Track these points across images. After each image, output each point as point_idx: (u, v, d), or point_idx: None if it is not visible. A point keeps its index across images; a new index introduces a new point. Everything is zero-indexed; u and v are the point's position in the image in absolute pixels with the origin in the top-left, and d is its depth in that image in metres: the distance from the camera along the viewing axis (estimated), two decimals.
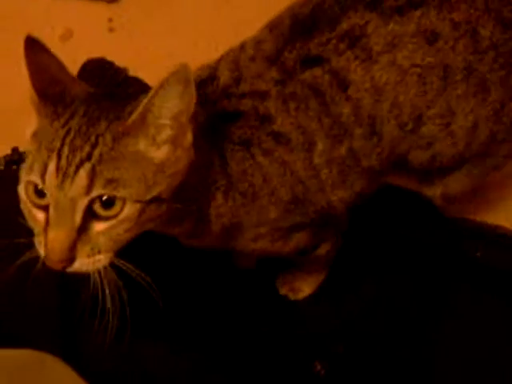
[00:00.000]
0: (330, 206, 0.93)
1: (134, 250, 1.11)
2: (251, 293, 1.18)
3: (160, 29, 1.53)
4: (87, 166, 0.70)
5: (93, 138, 0.71)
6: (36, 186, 0.72)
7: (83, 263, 0.72)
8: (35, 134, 0.75)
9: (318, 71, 0.86)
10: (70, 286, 1.00)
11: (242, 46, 0.89)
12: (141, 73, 1.26)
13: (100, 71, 1.16)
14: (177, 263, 1.15)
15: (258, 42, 0.89)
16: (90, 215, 0.71)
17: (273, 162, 0.86)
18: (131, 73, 1.24)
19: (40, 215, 0.72)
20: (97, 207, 0.71)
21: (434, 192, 1.06)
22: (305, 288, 1.16)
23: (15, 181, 1.04)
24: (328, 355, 1.11)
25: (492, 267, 1.14)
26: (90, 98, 0.77)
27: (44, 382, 0.79)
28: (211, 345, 1.10)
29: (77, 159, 0.70)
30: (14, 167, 1.04)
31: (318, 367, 1.09)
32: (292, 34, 0.87)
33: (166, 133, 0.73)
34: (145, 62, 1.40)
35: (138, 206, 0.71)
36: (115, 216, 0.71)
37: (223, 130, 0.84)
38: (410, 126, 0.90)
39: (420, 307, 1.14)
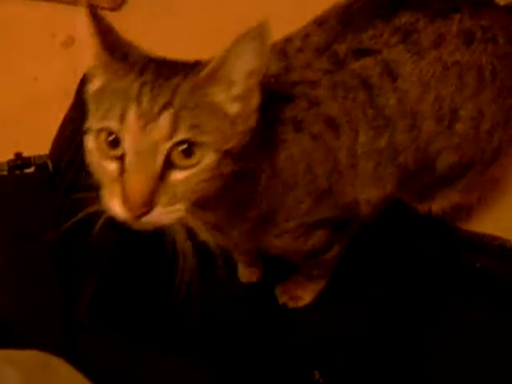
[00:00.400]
0: (355, 205, 0.94)
1: (135, 255, 1.12)
2: (250, 301, 1.17)
3: (162, 36, 1.53)
4: (170, 110, 0.69)
5: (171, 88, 0.71)
6: (108, 137, 0.71)
7: (161, 212, 0.70)
8: (102, 89, 0.75)
9: (369, 61, 0.90)
10: (73, 289, 1.00)
11: (288, 39, 0.92)
12: None
13: None
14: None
15: (305, 35, 0.92)
16: (169, 164, 0.70)
17: (320, 148, 0.87)
18: None
19: (112, 165, 0.71)
20: (176, 156, 0.70)
21: (442, 204, 1.11)
22: (305, 296, 1.16)
23: (19, 186, 1.05)
24: (327, 364, 1.10)
25: (491, 278, 1.14)
26: (155, 59, 0.77)
27: (55, 382, 0.79)
28: (210, 353, 1.09)
29: (158, 105, 0.69)
30: (17, 172, 1.05)
31: (317, 376, 1.09)
32: (343, 28, 0.91)
33: (237, 89, 0.73)
34: None
35: (217, 155, 0.71)
36: (195, 165, 0.71)
37: (274, 113, 0.84)
38: (446, 121, 0.94)
39: (419, 317, 1.14)
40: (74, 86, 1.19)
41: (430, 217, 1.20)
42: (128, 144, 0.70)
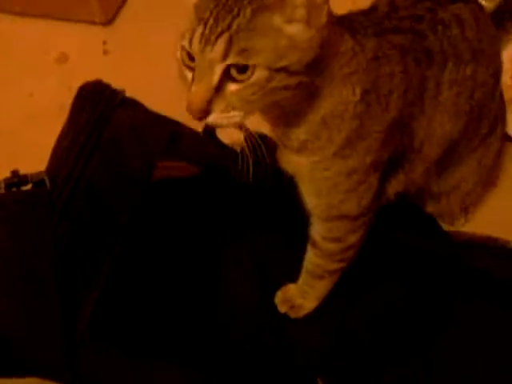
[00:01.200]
0: (421, 143, 1.03)
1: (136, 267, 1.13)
2: (251, 308, 1.17)
3: (155, 50, 1.54)
4: (225, 35, 0.78)
5: (235, 11, 0.79)
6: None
7: (218, 117, 0.82)
8: (192, 10, 0.83)
9: (462, 5, 1.04)
10: (73, 303, 1.00)
11: None
12: (137, 94, 1.26)
13: (97, 94, 1.17)
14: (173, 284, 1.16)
15: None
16: (226, 77, 0.80)
17: (417, 75, 0.97)
18: (128, 95, 1.25)
19: (189, 75, 0.83)
20: (233, 71, 0.79)
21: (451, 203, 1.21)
22: (306, 305, 1.16)
23: (16, 202, 1.05)
24: (329, 371, 1.10)
25: (493, 279, 1.15)
26: None
27: None
28: (213, 364, 1.09)
29: (218, 29, 0.78)
30: (14, 189, 1.05)
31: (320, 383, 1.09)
32: None
33: (301, 13, 0.80)
34: (141, 83, 1.41)
35: (266, 72, 0.79)
36: (246, 80, 0.80)
37: (384, 37, 0.95)
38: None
39: (422, 320, 1.14)
40: (69, 101, 1.20)
41: (431, 218, 1.21)
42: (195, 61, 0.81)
